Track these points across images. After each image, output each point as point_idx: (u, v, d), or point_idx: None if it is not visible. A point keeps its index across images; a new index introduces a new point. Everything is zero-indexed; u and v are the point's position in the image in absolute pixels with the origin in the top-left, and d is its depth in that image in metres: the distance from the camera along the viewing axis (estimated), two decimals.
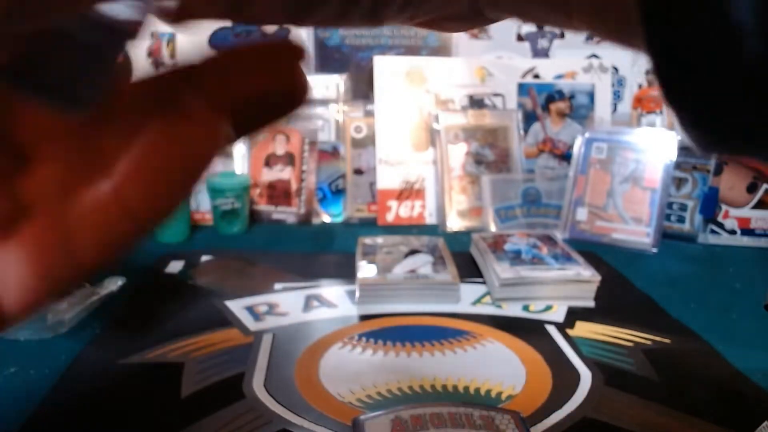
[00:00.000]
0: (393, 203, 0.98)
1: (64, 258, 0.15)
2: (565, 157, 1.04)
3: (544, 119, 1.06)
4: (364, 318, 0.62)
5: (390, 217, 0.98)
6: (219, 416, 0.45)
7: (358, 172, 1.00)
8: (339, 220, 0.99)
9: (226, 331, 0.59)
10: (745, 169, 0.90)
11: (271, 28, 1.12)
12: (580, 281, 0.66)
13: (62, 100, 0.14)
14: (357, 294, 0.65)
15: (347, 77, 1.06)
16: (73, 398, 0.47)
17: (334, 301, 0.66)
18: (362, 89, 1.10)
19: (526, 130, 1.05)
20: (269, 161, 0.98)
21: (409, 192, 0.99)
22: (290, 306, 0.64)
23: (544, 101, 1.06)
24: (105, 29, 0.13)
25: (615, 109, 1.17)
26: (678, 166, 0.92)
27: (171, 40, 1.11)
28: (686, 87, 0.12)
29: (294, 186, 0.98)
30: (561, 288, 0.66)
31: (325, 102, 1.06)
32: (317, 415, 0.45)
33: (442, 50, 1.13)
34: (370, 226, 0.97)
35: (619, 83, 1.17)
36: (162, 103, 0.15)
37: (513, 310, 0.65)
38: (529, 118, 1.05)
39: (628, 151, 0.92)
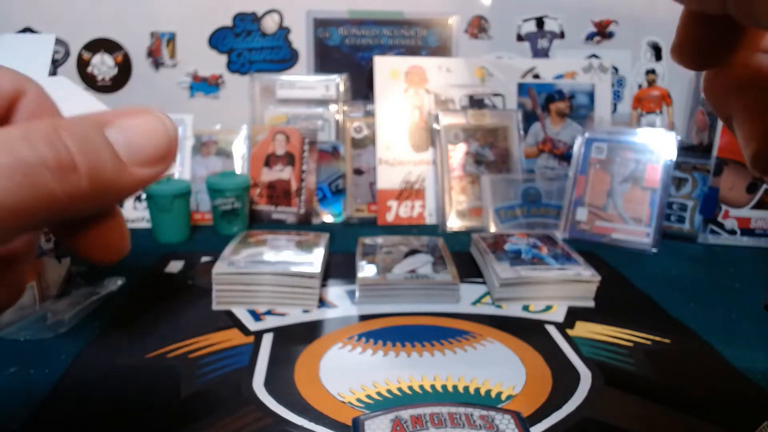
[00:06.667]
0: (393, 203, 0.98)
1: None
2: (565, 157, 1.04)
3: (544, 119, 1.06)
4: (364, 318, 0.62)
5: (390, 217, 0.98)
6: (219, 416, 0.45)
7: (358, 172, 1.00)
8: (339, 220, 0.99)
9: (226, 331, 0.59)
10: (745, 169, 0.90)
11: (271, 28, 1.12)
12: (580, 281, 0.66)
13: None
14: (357, 294, 0.65)
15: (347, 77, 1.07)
16: (73, 398, 0.47)
17: (334, 301, 0.66)
18: (362, 89, 1.10)
19: (526, 130, 1.05)
20: (269, 161, 0.98)
21: (409, 192, 0.99)
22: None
23: (544, 101, 1.06)
24: None
25: (615, 109, 1.17)
26: (678, 166, 0.92)
27: (171, 39, 1.11)
28: None
29: (294, 186, 0.98)
30: (561, 288, 0.66)
31: (325, 102, 1.06)
32: (317, 415, 0.45)
33: (442, 50, 1.13)
34: (370, 226, 0.97)
35: (618, 83, 1.17)
36: None
37: (513, 310, 0.65)
38: (529, 118, 1.05)
39: (628, 151, 0.92)
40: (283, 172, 0.98)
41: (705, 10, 0.19)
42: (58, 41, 1.08)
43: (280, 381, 0.50)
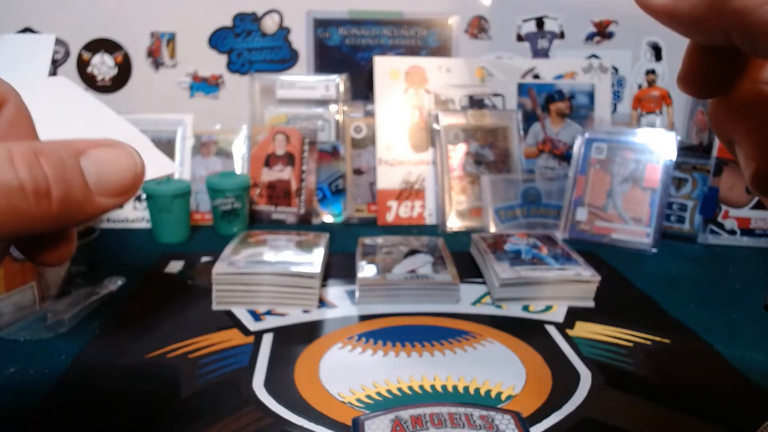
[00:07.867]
0: (393, 203, 0.98)
1: None
2: (565, 157, 1.04)
3: (544, 119, 1.06)
4: (364, 318, 0.62)
5: (390, 218, 0.98)
6: (219, 416, 0.45)
7: (358, 172, 1.00)
8: (339, 220, 0.99)
9: (226, 331, 0.59)
10: None
11: (271, 28, 1.12)
12: (580, 281, 0.66)
13: None
14: (357, 294, 0.65)
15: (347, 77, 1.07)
16: (73, 398, 0.47)
17: (334, 301, 0.66)
18: (362, 89, 1.10)
19: (525, 131, 1.05)
20: (269, 161, 0.98)
21: (408, 192, 0.99)
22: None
23: (544, 101, 1.06)
24: None
25: (615, 110, 1.17)
26: (678, 166, 0.92)
27: (171, 40, 1.11)
28: None
29: (294, 186, 0.98)
30: (561, 288, 0.66)
31: (325, 102, 1.06)
32: (317, 415, 0.45)
33: (442, 50, 1.13)
34: (370, 226, 0.97)
35: (618, 83, 1.17)
36: None
37: (513, 310, 0.65)
38: (529, 118, 1.05)
39: (628, 152, 0.92)
40: (283, 172, 0.98)
41: (711, 43, 0.20)
42: (58, 41, 1.08)
43: (280, 381, 0.50)
